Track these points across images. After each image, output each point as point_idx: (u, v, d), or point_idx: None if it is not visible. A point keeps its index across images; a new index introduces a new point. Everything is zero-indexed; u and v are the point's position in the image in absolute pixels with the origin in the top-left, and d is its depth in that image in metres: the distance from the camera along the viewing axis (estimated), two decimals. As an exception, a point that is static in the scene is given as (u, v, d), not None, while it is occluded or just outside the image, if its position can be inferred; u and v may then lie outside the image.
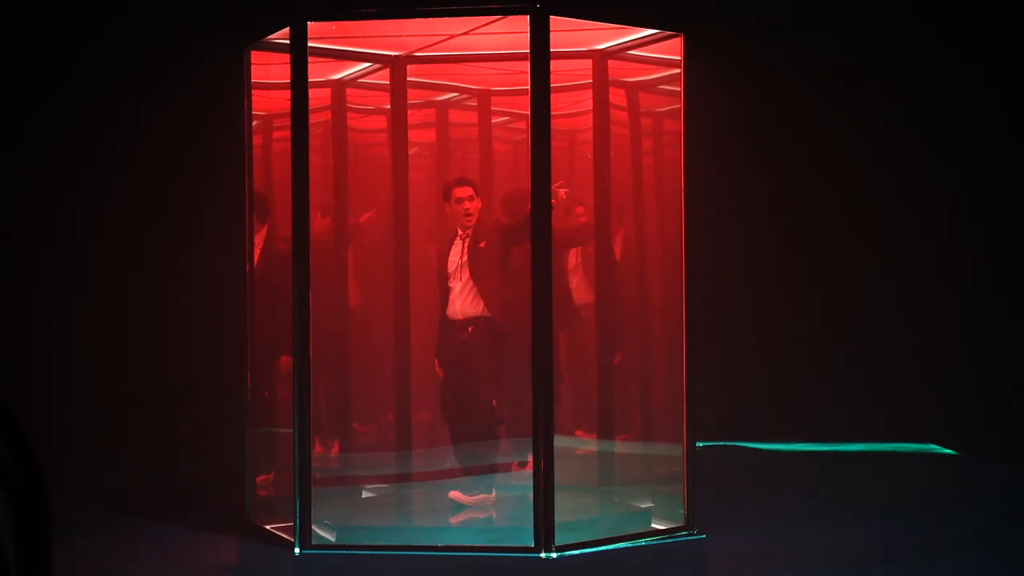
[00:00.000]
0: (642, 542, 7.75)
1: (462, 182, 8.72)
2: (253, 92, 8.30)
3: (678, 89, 7.98)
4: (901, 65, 11.54)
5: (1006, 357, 10.88)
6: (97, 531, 8.28)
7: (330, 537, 7.73)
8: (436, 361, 8.74)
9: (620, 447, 8.87)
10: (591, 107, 8.61)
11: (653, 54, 8.46)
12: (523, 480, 8.10)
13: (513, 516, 8.08)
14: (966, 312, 11.29)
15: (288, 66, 7.56)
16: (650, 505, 8.30)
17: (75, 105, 10.77)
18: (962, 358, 11.29)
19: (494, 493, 8.50)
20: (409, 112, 9.02)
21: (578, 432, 9.12)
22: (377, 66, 8.95)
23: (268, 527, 8.00)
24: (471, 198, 8.60)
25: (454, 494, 8.51)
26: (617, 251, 8.88)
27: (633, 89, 8.90)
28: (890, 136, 11.68)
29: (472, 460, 8.59)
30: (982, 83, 11.17)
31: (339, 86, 9.03)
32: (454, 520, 8.34)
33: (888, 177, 11.76)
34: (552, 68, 7.32)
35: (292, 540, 7.57)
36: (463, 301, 8.57)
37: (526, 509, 7.47)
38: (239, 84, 8.32)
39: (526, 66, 7.34)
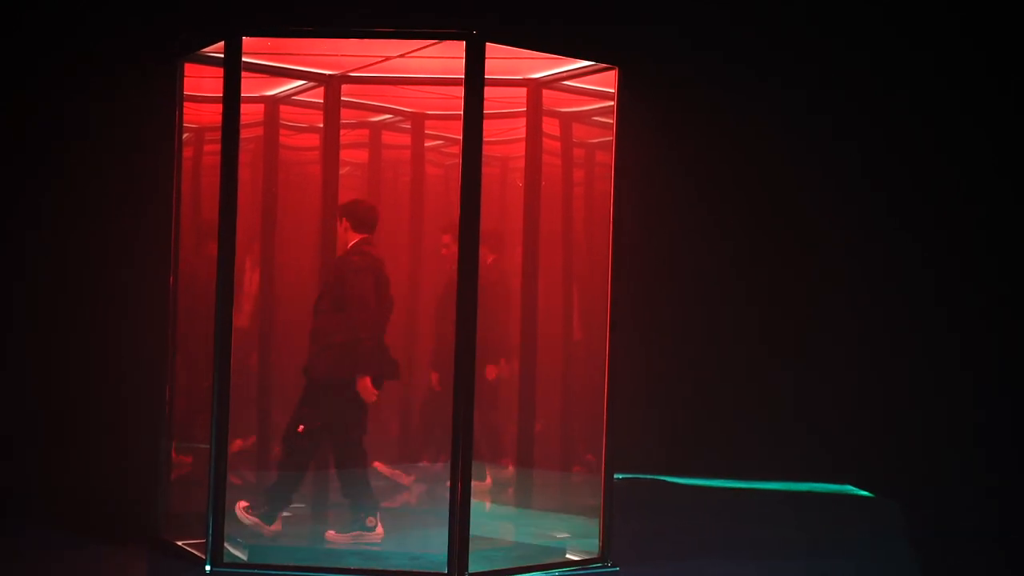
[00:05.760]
0: (556, 572, 7.74)
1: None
2: (185, 104, 8.25)
3: (611, 121, 8.04)
4: (838, 99, 11.57)
5: (928, 403, 10.98)
6: (4, 544, 8.16)
7: (242, 555, 7.66)
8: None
9: (539, 475, 8.86)
10: (524, 135, 8.63)
11: (587, 85, 8.51)
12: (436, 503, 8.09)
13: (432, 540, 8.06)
14: (893, 357, 11.38)
15: (221, 80, 7.52)
16: (566, 535, 8.29)
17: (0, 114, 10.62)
18: (885, 403, 11.38)
19: (380, 529, 8.26)
20: (342, 132, 9.00)
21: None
22: (311, 84, 8.92)
23: (180, 543, 7.91)
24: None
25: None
26: (544, 280, 8.88)
27: (567, 119, 8.93)
28: (827, 171, 11.72)
29: (349, 492, 8.45)
30: (919, 116, 11.12)
31: (272, 102, 8.99)
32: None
33: (823, 215, 11.81)
34: (486, 95, 7.33)
35: (203, 557, 7.49)
36: None
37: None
38: (172, 95, 8.25)
39: (461, 91, 7.34)
